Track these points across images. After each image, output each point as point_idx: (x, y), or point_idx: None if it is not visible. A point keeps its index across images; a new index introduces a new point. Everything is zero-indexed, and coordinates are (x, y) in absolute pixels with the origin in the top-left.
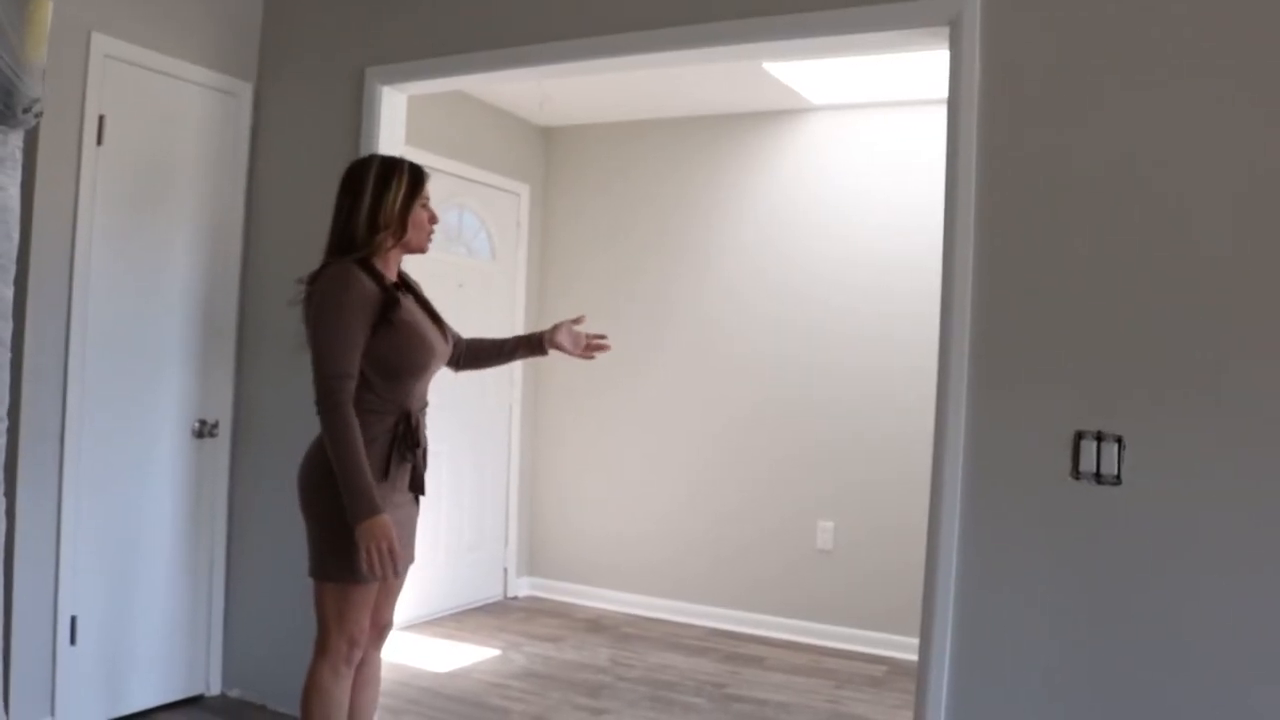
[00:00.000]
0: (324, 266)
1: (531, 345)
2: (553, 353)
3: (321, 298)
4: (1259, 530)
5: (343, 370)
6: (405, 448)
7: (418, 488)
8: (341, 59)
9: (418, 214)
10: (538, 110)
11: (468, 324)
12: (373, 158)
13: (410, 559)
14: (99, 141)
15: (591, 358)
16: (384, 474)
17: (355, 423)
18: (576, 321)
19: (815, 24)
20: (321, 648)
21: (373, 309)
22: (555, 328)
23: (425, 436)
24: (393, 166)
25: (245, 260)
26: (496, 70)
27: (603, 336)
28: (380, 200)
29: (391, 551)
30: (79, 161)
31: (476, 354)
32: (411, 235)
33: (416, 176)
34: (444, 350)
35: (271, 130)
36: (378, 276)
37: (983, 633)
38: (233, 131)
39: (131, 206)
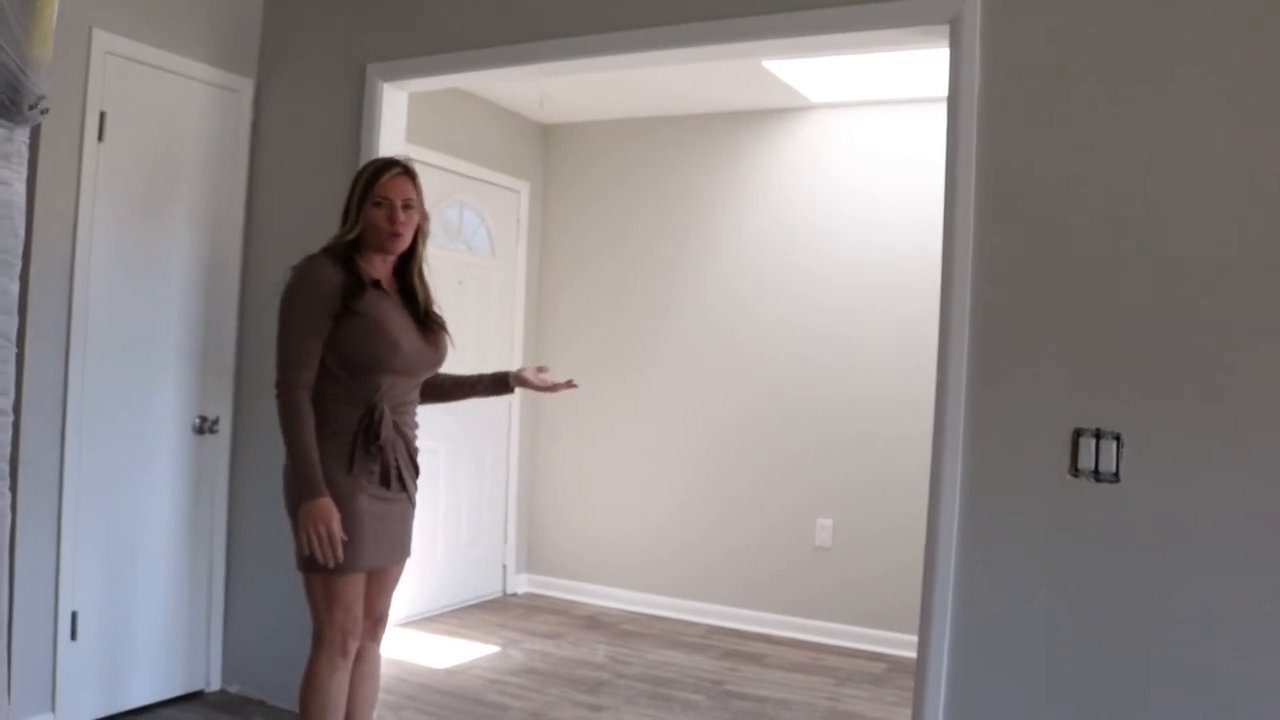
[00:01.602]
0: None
1: (498, 383)
2: (557, 349)
3: (285, 289)
4: (1256, 528)
5: (293, 359)
6: (370, 443)
7: (386, 482)
8: (342, 56)
9: (370, 212)
10: (538, 108)
11: (467, 321)
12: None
13: (406, 553)
14: (100, 138)
15: (555, 390)
16: (348, 467)
17: (304, 410)
18: (540, 370)
19: (815, 22)
20: (317, 640)
21: (334, 299)
22: (520, 370)
23: (405, 435)
24: (362, 167)
25: (246, 256)
26: (497, 68)
27: (570, 382)
28: (348, 199)
29: (330, 535)
30: (80, 158)
31: (440, 389)
32: (367, 234)
33: (374, 174)
34: (420, 353)
35: (272, 127)
36: (354, 269)
37: (981, 629)
38: (233, 128)
39: (132, 203)
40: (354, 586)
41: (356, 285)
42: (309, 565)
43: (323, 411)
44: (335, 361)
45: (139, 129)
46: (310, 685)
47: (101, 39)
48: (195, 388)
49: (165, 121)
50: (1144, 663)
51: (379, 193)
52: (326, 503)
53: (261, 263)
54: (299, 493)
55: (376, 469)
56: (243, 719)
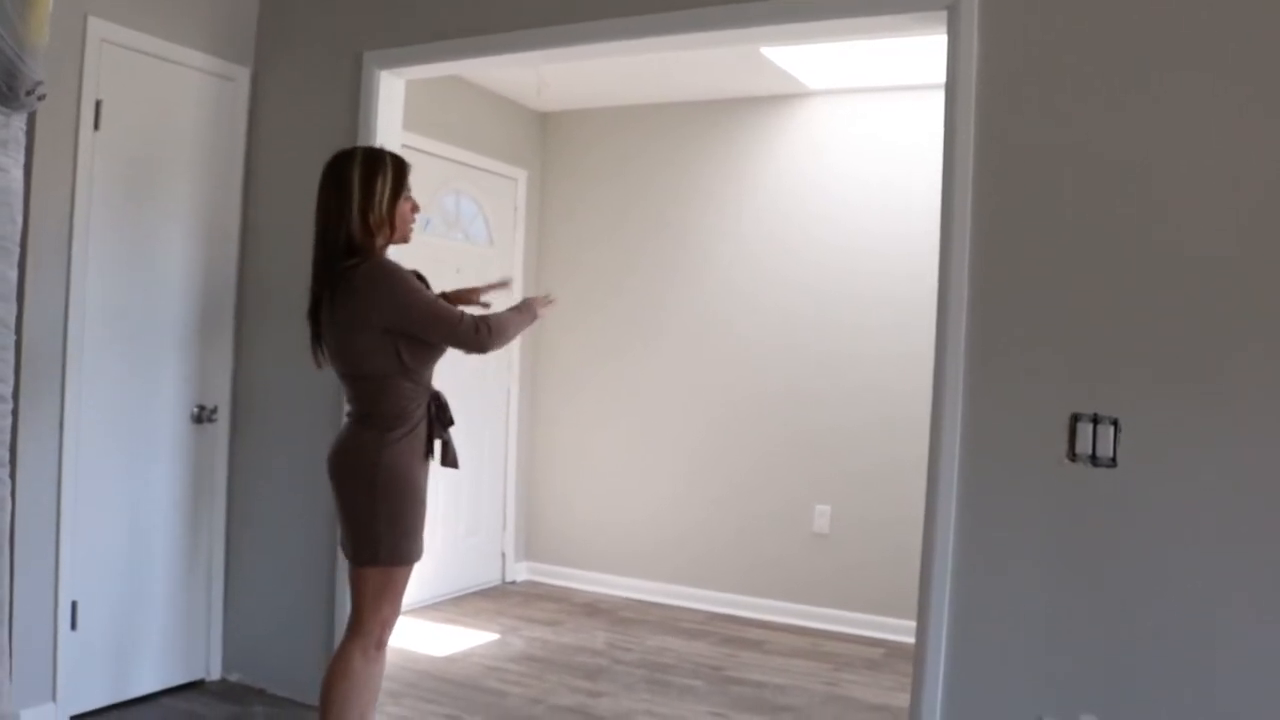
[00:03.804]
0: (356, 265)
1: None
2: (555, 338)
3: (393, 291)
4: (1252, 512)
5: (462, 315)
6: (441, 425)
7: (452, 462)
8: (339, 43)
9: (402, 208)
10: (535, 96)
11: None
12: (354, 151)
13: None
14: (96, 126)
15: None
16: (426, 453)
17: (492, 319)
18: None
19: (813, 7)
20: (356, 631)
21: None
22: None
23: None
24: (376, 160)
25: (243, 245)
26: (494, 55)
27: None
28: (369, 199)
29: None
30: (76, 146)
31: None
32: (398, 230)
33: (400, 170)
34: None
35: (269, 115)
36: None
37: (979, 614)
38: (230, 116)
39: (129, 191)
40: (407, 578)
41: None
42: (372, 558)
43: (402, 413)
44: (413, 358)
45: (135, 117)
46: (341, 674)
47: (97, 26)
48: (193, 377)
49: (161, 110)
50: (1142, 645)
51: (408, 187)
52: (531, 299)
53: (258, 251)
54: (531, 315)
55: (437, 451)
56: (243, 707)
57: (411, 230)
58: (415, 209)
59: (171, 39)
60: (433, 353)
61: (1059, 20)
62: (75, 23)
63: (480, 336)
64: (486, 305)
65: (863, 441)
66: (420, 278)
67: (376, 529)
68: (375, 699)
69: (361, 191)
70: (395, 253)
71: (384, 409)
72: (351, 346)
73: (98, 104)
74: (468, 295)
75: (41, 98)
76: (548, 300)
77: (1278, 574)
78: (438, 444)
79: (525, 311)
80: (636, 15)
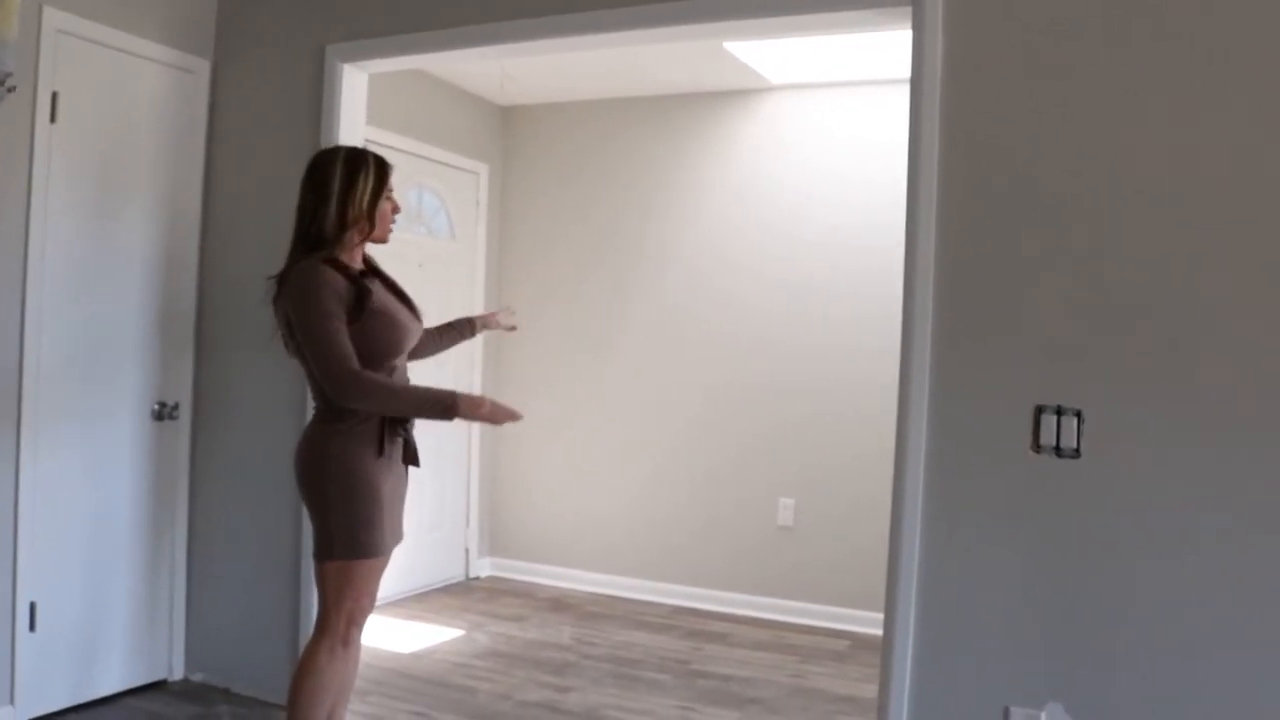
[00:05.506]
0: (292, 265)
1: (461, 329)
2: (518, 333)
3: (301, 300)
4: (1214, 501)
5: (346, 354)
6: (398, 424)
7: (412, 459)
8: (301, 36)
9: (383, 207)
10: (498, 89)
11: (428, 304)
12: (337, 150)
13: (399, 537)
14: (53, 119)
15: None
16: (380, 451)
17: (381, 380)
18: (506, 312)
19: (778, 2)
20: (321, 628)
21: (346, 302)
22: (486, 315)
23: None
24: (359, 160)
25: (204, 239)
26: (458, 48)
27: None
28: (348, 196)
29: (499, 407)
30: (32, 140)
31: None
32: (377, 228)
33: (382, 170)
34: (417, 327)
35: (230, 108)
36: (344, 270)
37: (946, 604)
38: (190, 110)
39: (87, 185)
40: (372, 573)
41: (361, 286)
42: (329, 553)
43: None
44: (358, 359)
45: (93, 110)
46: (306, 671)
47: (53, 17)
48: (154, 374)
49: (120, 103)
50: (1108, 634)
51: (389, 187)
52: (465, 395)
53: (219, 245)
54: (447, 412)
55: (398, 451)
56: (207, 707)
57: (390, 230)
58: (396, 209)
59: (130, 30)
60: (385, 356)
61: (1025, 14)
62: (31, 13)
63: (339, 387)
64: (512, 329)
65: (825, 435)
66: (358, 285)
67: (329, 522)
68: (347, 696)
69: (343, 186)
70: (370, 251)
71: (334, 403)
72: (297, 342)
73: (54, 96)
74: (489, 320)
75: (11, 89)
76: (501, 415)
77: (1241, 563)
78: (398, 440)
79: (436, 402)
80: (600, 10)
